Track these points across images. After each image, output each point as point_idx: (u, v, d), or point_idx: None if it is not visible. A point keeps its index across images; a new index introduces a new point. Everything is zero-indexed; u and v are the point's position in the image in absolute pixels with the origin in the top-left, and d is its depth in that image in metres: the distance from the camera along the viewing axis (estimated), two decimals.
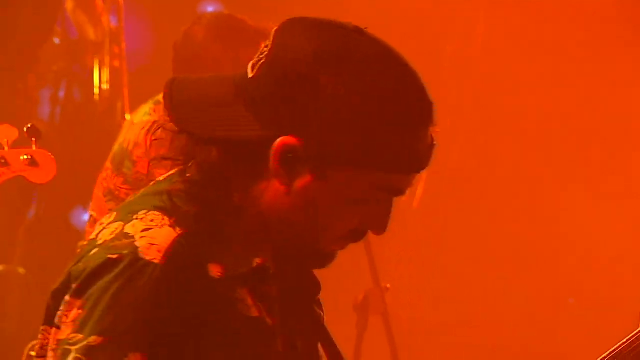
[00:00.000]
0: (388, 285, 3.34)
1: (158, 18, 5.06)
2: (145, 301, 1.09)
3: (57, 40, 5.09)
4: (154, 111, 2.73)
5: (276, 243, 1.23)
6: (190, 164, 1.21)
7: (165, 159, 1.24)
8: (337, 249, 1.25)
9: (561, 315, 5.44)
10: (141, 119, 2.79)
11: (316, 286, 1.33)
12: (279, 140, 1.12)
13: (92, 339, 1.08)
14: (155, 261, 1.10)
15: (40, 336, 1.18)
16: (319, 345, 1.36)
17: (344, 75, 1.12)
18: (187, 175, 1.21)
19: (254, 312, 1.20)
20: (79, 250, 1.21)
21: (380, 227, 1.23)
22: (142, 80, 4.50)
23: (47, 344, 1.15)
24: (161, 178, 1.25)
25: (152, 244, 1.11)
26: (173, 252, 1.11)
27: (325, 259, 1.25)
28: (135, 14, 5.32)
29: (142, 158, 2.67)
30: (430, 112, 1.18)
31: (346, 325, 3.55)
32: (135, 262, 1.10)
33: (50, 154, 2.47)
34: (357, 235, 1.23)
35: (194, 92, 1.22)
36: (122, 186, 2.76)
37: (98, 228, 1.19)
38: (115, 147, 2.84)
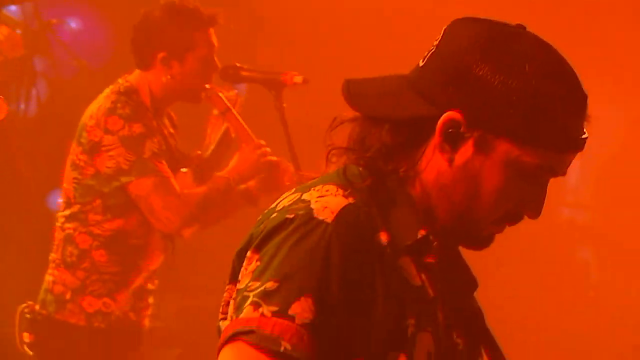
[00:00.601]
0: None
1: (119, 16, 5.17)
2: (317, 252, 1.19)
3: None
4: (111, 92, 3.07)
5: (438, 217, 1.30)
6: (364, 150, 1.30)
7: (343, 148, 1.31)
8: (494, 232, 1.32)
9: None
10: (99, 98, 3.11)
11: (474, 281, 1.40)
12: (444, 115, 1.21)
13: (269, 284, 1.17)
14: (328, 220, 1.19)
15: (225, 294, 1.28)
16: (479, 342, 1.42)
17: (506, 60, 1.21)
18: (362, 159, 1.30)
19: (417, 281, 1.26)
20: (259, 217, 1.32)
21: (536, 209, 1.28)
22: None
23: (230, 301, 1.26)
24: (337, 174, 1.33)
25: (326, 207, 1.21)
26: (344, 215, 1.20)
27: (484, 240, 1.32)
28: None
29: (94, 128, 3.00)
30: (585, 100, 1.25)
31: None
32: (309, 220, 1.20)
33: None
34: (513, 217, 1.29)
35: (370, 86, 1.34)
36: (81, 155, 3.03)
37: (278, 199, 1.30)
38: (79, 124, 3.15)
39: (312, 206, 1.22)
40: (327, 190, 1.26)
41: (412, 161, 1.28)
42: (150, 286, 3.12)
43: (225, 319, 1.27)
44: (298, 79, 3.24)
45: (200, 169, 3.19)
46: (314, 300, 1.18)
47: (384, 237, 1.25)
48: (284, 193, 1.36)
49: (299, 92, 3.46)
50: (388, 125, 1.28)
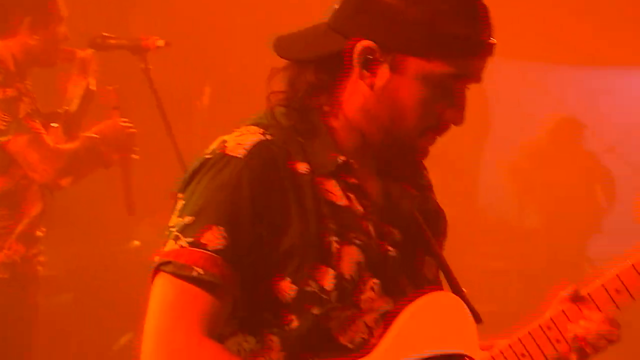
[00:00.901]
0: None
1: None
2: (228, 186, 1.31)
3: None
4: None
5: (371, 138, 1.41)
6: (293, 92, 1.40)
7: (276, 92, 1.42)
8: (426, 144, 1.42)
9: None
10: None
11: (414, 197, 1.49)
12: (358, 45, 1.33)
13: (187, 219, 1.31)
14: (239, 156, 1.31)
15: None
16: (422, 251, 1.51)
17: None
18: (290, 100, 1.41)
19: (344, 201, 1.37)
20: None
21: (458, 116, 1.38)
22: None
23: None
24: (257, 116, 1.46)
25: (239, 144, 1.33)
26: (256, 150, 1.32)
27: (418, 152, 1.44)
28: None
29: None
30: (482, 7, 1.36)
31: None
32: (223, 157, 1.33)
33: None
34: (439, 127, 1.39)
35: (296, 36, 1.46)
36: None
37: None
38: None
39: (227, 145, 1.34)
40: (247, 131, 1.37)
41: (336, 94, 1.39)
42: (38, 233, 3.35)
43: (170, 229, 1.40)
44: (160, 42, 3.41)
45: (68, 124, 3.45)
46: (225, 229, 1.29)
47: (301, 167, 1.34)
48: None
49: (163, 56, 3.68)
50: (312, 66, 1.39)
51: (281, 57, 1.43)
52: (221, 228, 1.30)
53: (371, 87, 1.36)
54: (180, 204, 1.35)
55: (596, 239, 6.11)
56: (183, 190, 1.37)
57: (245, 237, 1.31)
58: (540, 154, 5.70)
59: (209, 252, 1.28)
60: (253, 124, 1.39)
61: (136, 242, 4.81)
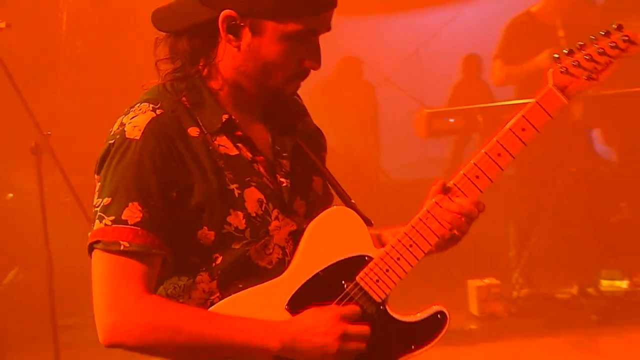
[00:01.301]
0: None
1: None
2: (132, 166, 1.49)
3: None
4: None
5: (247, 91, 1.60)
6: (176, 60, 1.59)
7: (161, 59, 1.61)
8: (293, 89, 1.65)
9: None
10: None
11: (295, 128, 1.71)
12: (221, 14, 1.51)
13: (105, 200, 1.50)
14: (137, 138, 1.51)
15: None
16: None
17: None
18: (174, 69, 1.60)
19: (234, 151, 1.58)
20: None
21: (315, 61, 1.59)
22: None
23: None
24: (150, 91, 1.63)
25: (135, 126, 1.52)
26: (150, 128, 1.51)
27: (287, 95, 1.65)
28: None
29: None
30: None
31: None
32: (123, 142, 1.51)
33: None
34: (301, 75, 1.62)
35: (171, 9, 1.62)
36: None
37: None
38: None
39: (125, 129, 1.52)
40: (139, 109, 1.55)
41: (210, 58, 1.57)
42: None
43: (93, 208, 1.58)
44: (2, 24, 3.54)
45: None
46: (139, 203, 1.48)
47: (192, 131, 1.55)
48: None
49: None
50: (185, 36, 1.56)
51: (158, 29, 1.61)
52: (135, 203, 1.48)
53: (238, 48, 1.55)
54: (98, 185, 1.54)
55: (385, 153, 7.13)
56: (98, 172, 1.56)
57: (159, 205, 1.50)
58: (330, 88, 6.43)
59: (130, 227, 1.47)
60: (144, 102, 1.57)
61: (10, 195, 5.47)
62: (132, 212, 1.48)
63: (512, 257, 5.29)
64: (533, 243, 5.18)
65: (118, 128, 1.55)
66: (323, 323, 1.52)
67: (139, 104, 1.58)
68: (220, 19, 1.53)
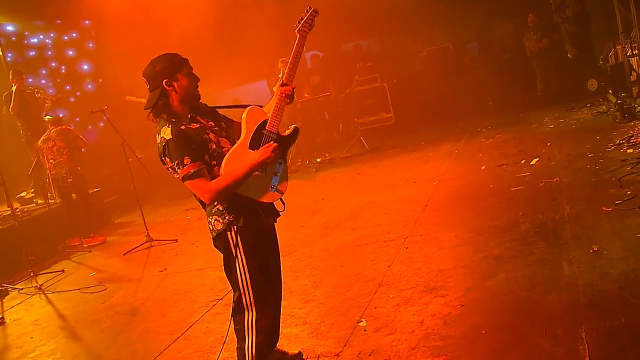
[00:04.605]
0: None
1: None
2: (174, 144, 3.79)
3: None
4: None
5: (189, 106, 3.96)
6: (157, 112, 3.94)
7: (148, 110, 3.99)
8: (198, 97, 4.03)
9: None
10: None
11: (214, 113, 4.14)
12: (163, 84, 3.89)
13: (175, 161, 3.80)
14: (169, 136, 3.80)
15: (165, 166, 3.90)
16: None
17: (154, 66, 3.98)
18: (162, 113, 3.91)
19: (197, 125, 3.93)
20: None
21: (197, 82, 3.98)
22: None
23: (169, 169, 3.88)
24: (160, 120, 3.91)
25: (168, 132, 3.82)
26: (173, 131, 3.81)
27: (198, 100, 4.02)
28: None
29: None
30: (168, 55, 3.95)
31: None
32: (166, 138, 3.81)
33: None
34: (197, 88, 3.99)
35: (147, 101, 3.96)
36: None
37: (158, 134, 3.86)
38: None
39: (163, 135, 3.82)
40: (165, 126, 3.85)
41: (171, 100, 3.91)
42: None
43: (172, 174, 3.85)
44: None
45: None
46: (186, 156, 3.77)
47: (183, 126, 3.84)
48: None
49: None
50: (160, 101, 3.92)
51: (145, 109, 4.00)
52: (186, 156, 3.78)
53: (175, 91, 3.92)
54: (167, 160, 3.82)
55: None
56: (164, 154, 3.82)
57: (192, 154, 3.78)
58: None
59: (190, 165, 3.77)
60: (165, 124, 3.84)
61: None
62: (187, 160, 3.75)
63: None
64: None
65: (163, 135, 3.79)
66: (262, 150, 3.83)
67: (161, 127, 3.85)
68: (163, 87, 3.87)
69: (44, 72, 14.33)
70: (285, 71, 3.98)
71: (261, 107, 3.99)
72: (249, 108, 3.90)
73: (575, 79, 14.42)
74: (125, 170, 9.95)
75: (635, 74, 12.09)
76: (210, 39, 13.82)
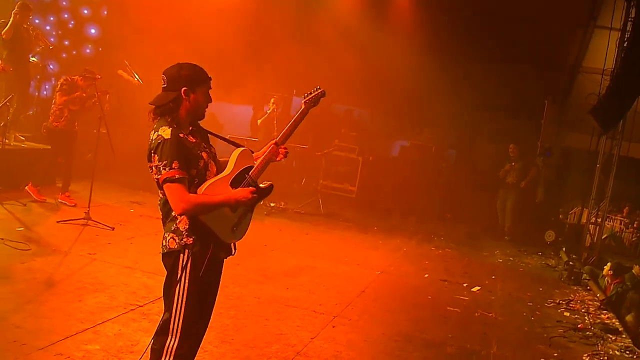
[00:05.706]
0: None
1: None
2: (170, 145, 3.82)
3: None
4: None
5: (193, 118, 4.07)
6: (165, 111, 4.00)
7: (155, 109, 4.04)
8: (204, 114, 4.11)
9: None
10: None
11: (205, 134, 4.19)
12: (181, 91, 3.97)
13: (163, 162, 3.81)
14: (168, 136, 3.84)
15: (150, 167, 3.91)
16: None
17: (175, 71, 4.06)
18: (167, 115, 3.98)
19: (193, 141, 4.01)
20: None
21: (209, 101, 4.08)
22: None
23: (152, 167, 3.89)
24: (161, 120, 3.96)
25: (165, 132, 3.86)
26: (171, 132, 3.86)
27: (202, 118, 4.11)
28: None
29: None
30: (195, 67, 4.05)
31: None
32: (164, 138, 3.84)
33: None
34: (206, 107, 4.06)
35: (158, 97, 4.04)
36: None
37: (153, 132, 3.91)
38: None
39: (162, 134, 3.85)
40: (166, 126, 3.88)
41: (178, 106, 3.97)
42: None
43: (154, 173, 3.84)
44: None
45: None
46: (176, 160, 3.80)
47: (182, 134, 3.92)
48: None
49: None
50: (171, 101, 3.98)
51: (152, 103, 4.05)
52: (175, 160, 3.80)
53: (188, 101, 3.98)
54: (156, 157, 3.83)
55: None
56: (155, 152, 3.84)
57: (182, 160, 3.82)
58: None
59: (177, 170, 3.78)
60: (166, 125, 3.89)
61: None
62: (175, 164, 3.76)
63: None
64: None
65: (161, 132, 3.83)
66: (241, 190, 3.93)
67: (161, 126, 3.88)
68: (181, 93, 3.94)
69: (52, 18, 14.12)
70: (283, 132, 4.21)
71: (253, 152, 4.19)
72: (242, 149, 4.11)
73: (535, 223, 14.77)
74: (92, 141, 9.77)
75: (590, 240, 12.48)
76: (232, 44, 13.78)
